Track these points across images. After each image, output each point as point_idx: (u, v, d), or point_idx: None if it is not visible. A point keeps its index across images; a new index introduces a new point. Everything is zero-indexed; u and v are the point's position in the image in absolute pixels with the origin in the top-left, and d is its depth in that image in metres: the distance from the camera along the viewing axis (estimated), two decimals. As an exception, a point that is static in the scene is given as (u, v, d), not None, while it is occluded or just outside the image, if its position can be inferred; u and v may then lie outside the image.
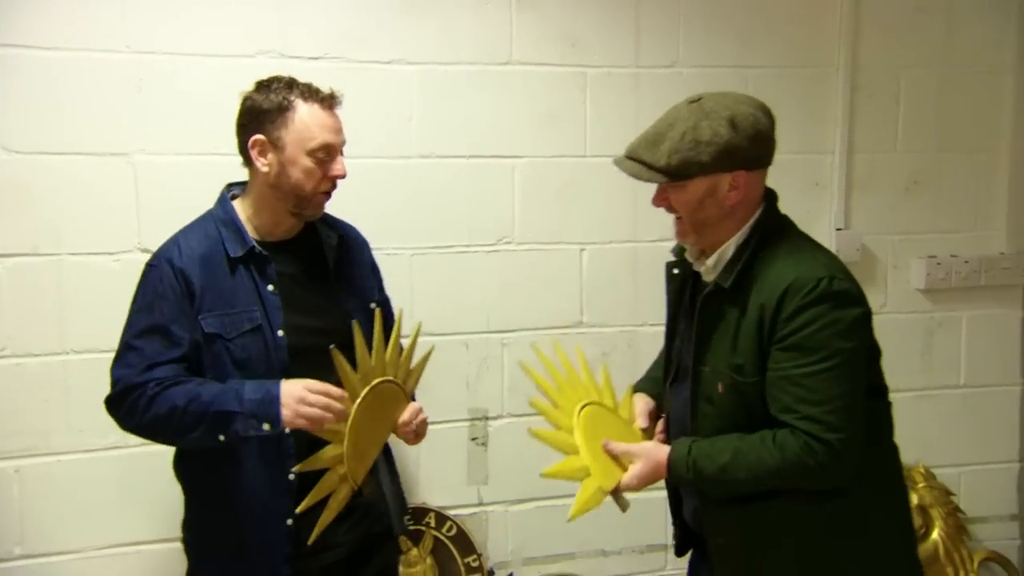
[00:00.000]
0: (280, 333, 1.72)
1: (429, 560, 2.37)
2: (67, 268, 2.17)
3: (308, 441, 1.65)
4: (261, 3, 2.23)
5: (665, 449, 1.56)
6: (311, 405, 1.60)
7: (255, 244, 1.73)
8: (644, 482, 1.56)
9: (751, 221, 1.55)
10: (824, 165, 2.62)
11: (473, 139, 2.38)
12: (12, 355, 2.16)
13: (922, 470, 2.72)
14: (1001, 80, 2.69)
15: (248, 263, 1.73)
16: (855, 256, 2.62)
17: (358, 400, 1.64)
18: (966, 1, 2.65)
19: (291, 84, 1.71)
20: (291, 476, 1.69)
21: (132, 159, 2.18)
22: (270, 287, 1.74)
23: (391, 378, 1.73)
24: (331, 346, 1.58)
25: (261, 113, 1.68)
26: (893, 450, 1.64)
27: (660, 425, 1.74)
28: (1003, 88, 2.70)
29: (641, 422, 1.73)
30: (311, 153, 1.67)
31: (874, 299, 2.60)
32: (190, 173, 2.18)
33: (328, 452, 1.62)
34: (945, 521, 2.68)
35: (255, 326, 1.72)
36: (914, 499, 2.67)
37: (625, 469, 1.58)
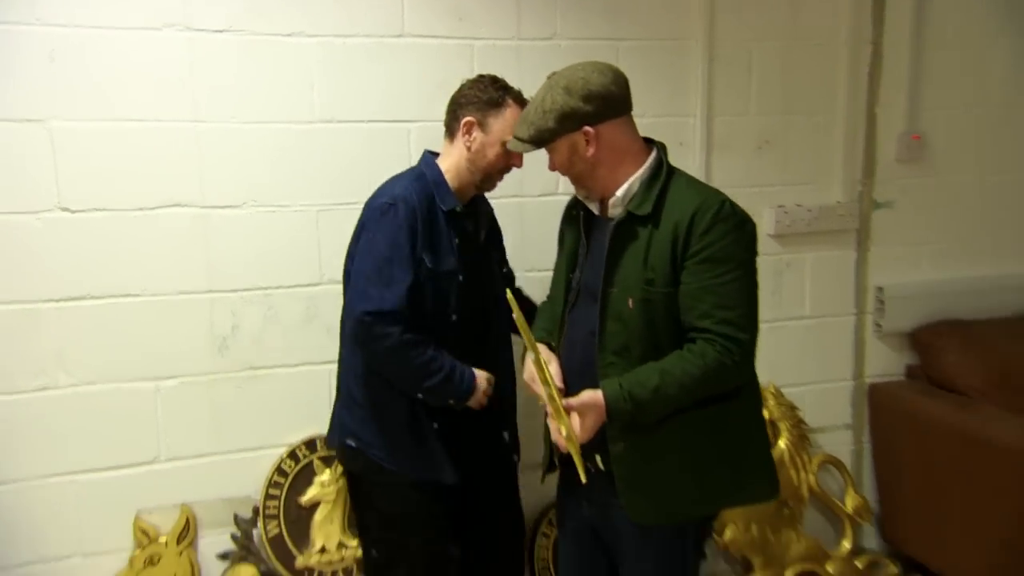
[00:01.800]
0: (461, 278, 1.91)
1: (341, 480, 2.40)
2: (-9, 225, 2.10)
3: None
4: (166, -22, 2.17)
5: (598, 393, 1.56)
6: (484, 395, 1.89)
7: (456, 204, 1.92)
8: (595, 430, 1.58)
9: (649, 161, 1.64)
10: (687, 127, 2.65)
11: (370, 106, 2.34)
12: None
13: (772, 389, 2.80)
14: (836, 52, 2.74)
15: (449, 218, 1.91)
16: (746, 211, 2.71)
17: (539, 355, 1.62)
18: None
19: (507, 87, 1.94)
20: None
21: (48, 124, 2.10)
22: (457, 240, 1.92)
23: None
24: (508, 292, 1.65)
25: (479, 100, 1.89)
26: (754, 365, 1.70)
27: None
28: (838, 59, 2.74)
29: (556, 379, 1.70)
30: (505, 143, 1.82)
31: (731, 244, 2.72)
32: (103, 137, 2.15)
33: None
34: (790, 432, 2.78)
35: (450, 269, 1.89)
36: (766, 414, 2.78)
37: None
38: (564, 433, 1.57)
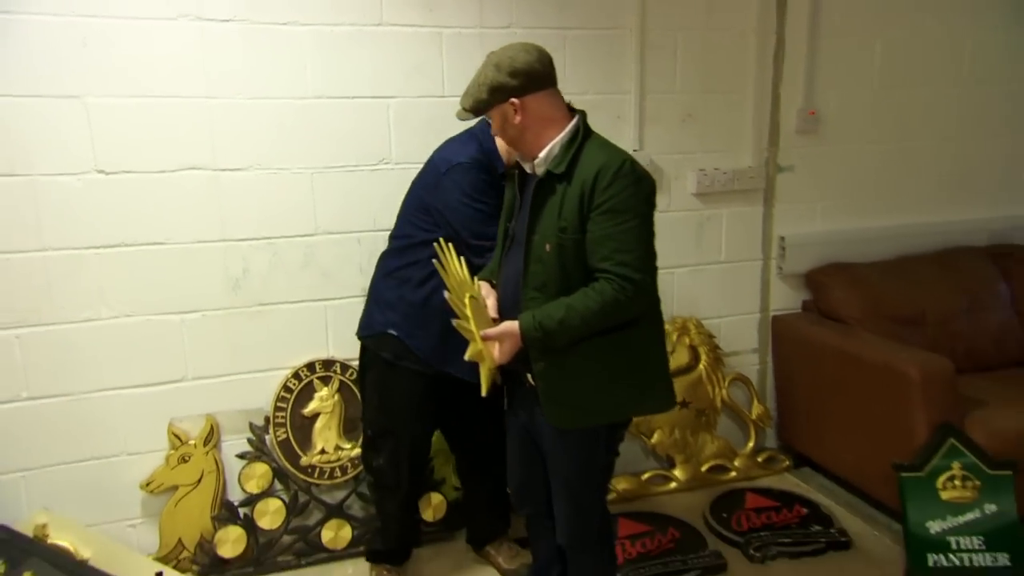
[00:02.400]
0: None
1: (337, 396, 2.52)
2: (40, 185, 2.16)
3: None
4: (180, -26, 2.18)
5: (515, 323, 1.61)
6: None
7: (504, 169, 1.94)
8: (511, 354, 1.63)
9: (569, 127, 1.64)
10: (624, 103, 2.69)
11: (356, 84, 2.37)
12: (2, 252, 2.17)
13: (694, 321, 2.93)
14: (746, 40, 2.79)
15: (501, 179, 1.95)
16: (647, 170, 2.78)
17: (467, 299, 1.66)
18: None
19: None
20: None
21: (84, 100, 2.15)
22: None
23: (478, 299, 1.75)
24: (438, 241, 1.76)
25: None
26: (658, 299, 1.74)
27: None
28: (748, 46, 2.79)
29: (492, 311, 1.75)
30: None
31: (661, 201, 2.79)
32: (131, 111, 2.20)
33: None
34: (708, 355, 2.93)
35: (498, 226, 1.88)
36: (687, 341, 2.93)
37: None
38: (471, 353, 1.64)
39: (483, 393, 1.64)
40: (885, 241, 3.09)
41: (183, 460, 2.39)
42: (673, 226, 2.87)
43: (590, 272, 1.59)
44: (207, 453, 2.41)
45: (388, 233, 2.35)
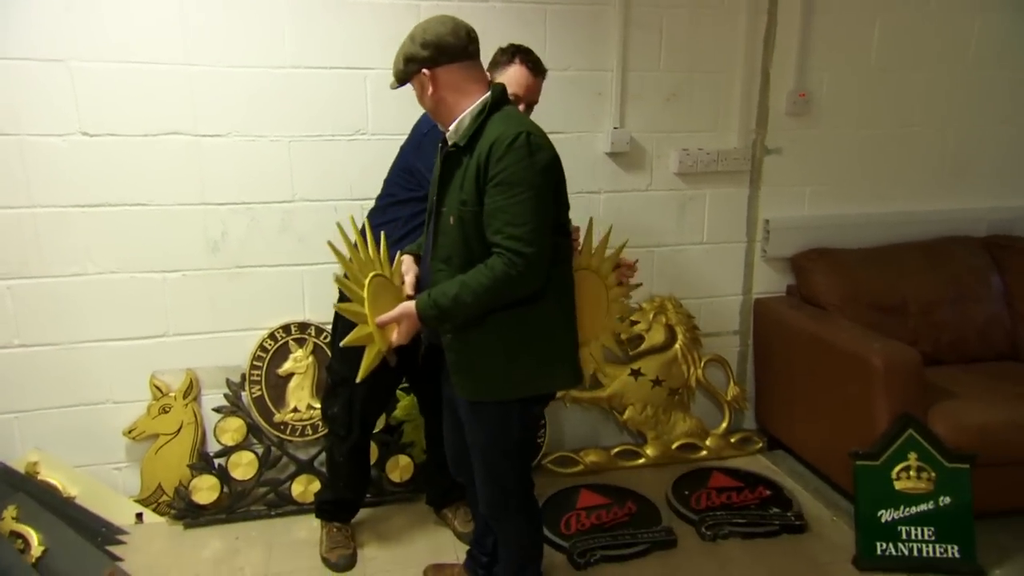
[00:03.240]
0: None
1: (311, 358, 2.59)
2: (27, 145, 2.24)
3: None
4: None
5: (412, 304, 1.61)
6: None
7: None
8: (409, 335, 1.64)
9: (480, 99, 1.60)
10: (605, 80, 2.65)
11: (333, 54, 2.38)
12: None
13: (672, 300, 2.91)
14: (735, 19, 2.72)
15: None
16: (626, 148, 2.71)
17: (368, 280, 1.66)
18: None
19: (521, 50, 2.02)
20: None
21: (68, 64, 2.22)
22: None
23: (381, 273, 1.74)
24: (338, 223, 1.84)
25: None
26: (569, 276, 1.72)
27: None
28: (737, 25, 2.72)
29: (408, 287, 1.75)
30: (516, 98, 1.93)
31: (642, 180, 2.80)
32: (114, 76, 2.26)
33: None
34: (685, 335, 2.91)
35: None
36: (663, 320, 2.91)
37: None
38: (354, 337, 1.64)
39: (358, 379, 1.62)
40: (878, 228, 3.01)
41: (164, 411, 2.50)
42: (654, 205, 2.86)
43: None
44: (186, 405, 2.52)
45: (360, 202, 2.39)
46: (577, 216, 2.67)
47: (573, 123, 2.69)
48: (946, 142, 3.05)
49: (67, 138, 2.27)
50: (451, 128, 1.63)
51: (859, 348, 2.43)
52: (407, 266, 1.80)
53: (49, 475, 2.42)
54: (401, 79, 1.65)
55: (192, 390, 2.53)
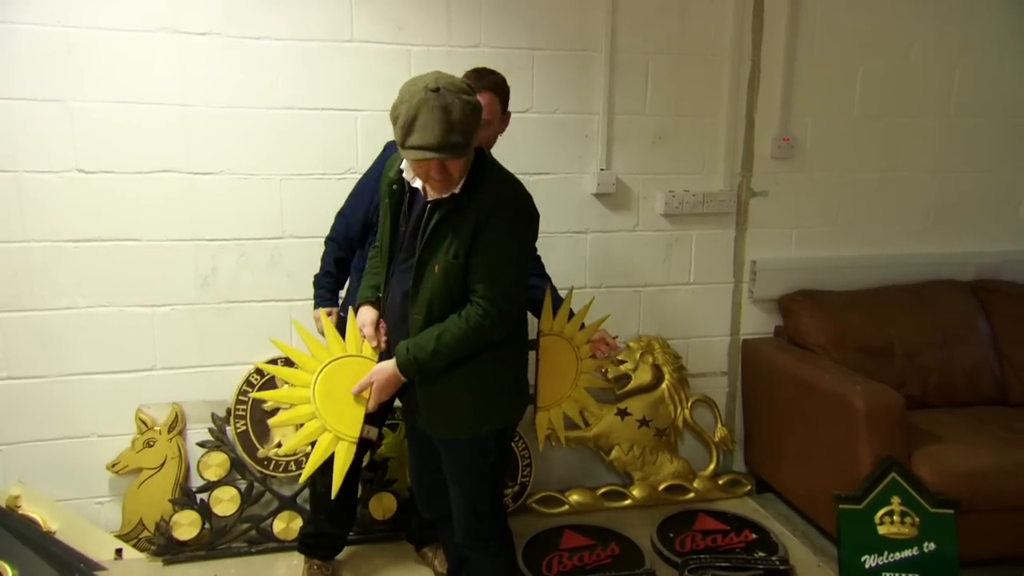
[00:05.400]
0: None
1: (297, 392, 2.60)
2: (24, 181, 2.30)
3: None
4: (157, -12, 2.29)
5: (391, 362, 1.66)
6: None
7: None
8: (388, 393, 1.69)
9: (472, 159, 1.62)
10: (592, 123, 2.70)
11: (325, 97, 2.44)
12: None
13: (660, 340, 2.93)
14: (720, 65, 2.78)
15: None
16: (612, 189, 2.76)
17: (316, 378, 1.70)
18: (695, 6, 2.72)
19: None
20: None
21: (67, 104, 2.29)
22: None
23: (347, 355, 1.75)
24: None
25: None
26: (526, 315, 1.84)
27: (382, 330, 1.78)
28: (722, 71, 2.78)
29: (369, 338, 1.75)
30: None
31: (629, 221, 2.85)
32: (111, 115, 2.32)
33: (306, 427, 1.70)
34: (672, 375, 2.91)
35: None
36: (650, 359, 2.92)
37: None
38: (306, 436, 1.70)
39: (332, 495, 1.68)
40: (864, 271, 3.04)
41: (148, 444, 2.51)
42: (641, 245, 2.89)
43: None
44: (171, 440, 2.53)
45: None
46: (564, 258, 2.77)
47: (560, 164, 2.74)
48: (931, 187, 3.10)
49: (63, 175, 2.34)
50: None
51: (842, 389, 2.44)
52: (365, 318, 1.78)
53: (30, 509, 2.42)
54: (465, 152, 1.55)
55: (177, 424, 2.54)
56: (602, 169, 2.75)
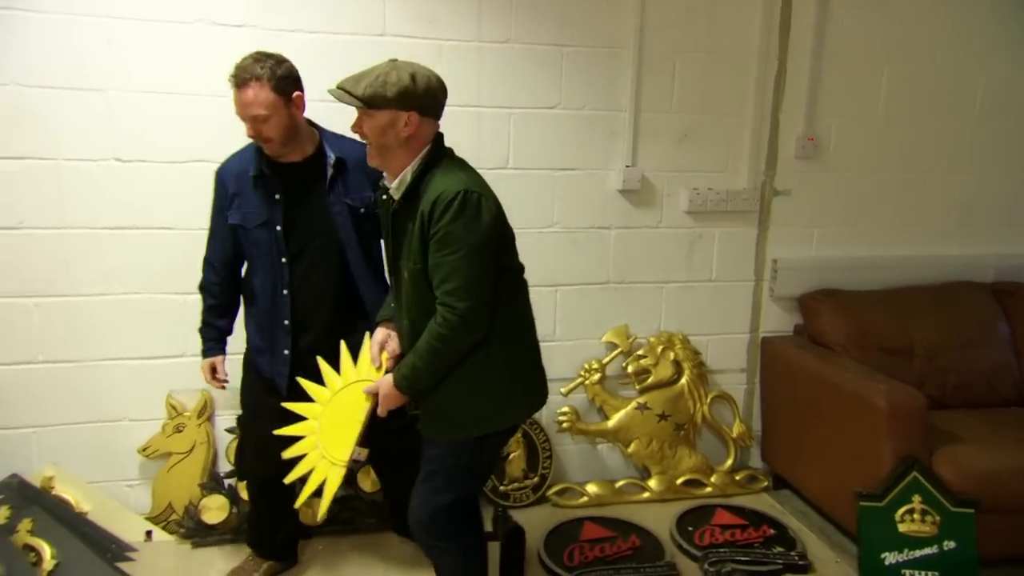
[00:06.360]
0: (278, 227, 1.95)
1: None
2: (63, 169, 2.34)
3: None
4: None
5: (389, 378, 1.69)
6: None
7: (263, 167, 1.93)
8: (391, 405, 1.71)
9: (422, 154, 1.62)
10: (619, 120, 2.72)
11: None
12: (27, 228, 2.37)
13: (680, 336, 2.95)
14: (747, 65, 2.79)
15: (260, 179, 1.95)
16: (638, 185, 2.78)
17: (321, 416, 1.74)
18: (724, 6, 2.73)
19: (233, 66, 1.85)
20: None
21: (107, 94, 2.32)
22: (277, 196, 1.93)
23: (352, 382, 1.79)
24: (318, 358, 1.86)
25: None
26: (521, 314, 1.74)
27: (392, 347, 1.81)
28: (748, 70, 2.79)
29: (373, 358, 1.80)
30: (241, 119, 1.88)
31: (652, 217, 2.87)
32: (148, 105, 2.36)
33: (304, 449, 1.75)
34: (691, 371, 2.94)
35: (262, 221, 1.94)
36: (671, 355, 2.95)
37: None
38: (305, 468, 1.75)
39: (319, 518, 1.77)
40: (885, 271, 3.05)
41: (178, 430, 2.55)
42: (663, 242, 2.91)
43: None
44: (200, 425, 2.57)
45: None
46: (588, 254, 2.79)
47: (587, 160, 2.76)
48: (953, 189, 3.11)
49: (101, 163, 2.37)
50: (395, 182, 1.65)
51: (864, 389, 2.45)
52: (375, 339, 1.83)
53: (63, 490, 2.47)
54: (374, 104, 1.57)
55: (206, 410, 2.58)
56: (628, 166, 2.77)
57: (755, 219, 2.96)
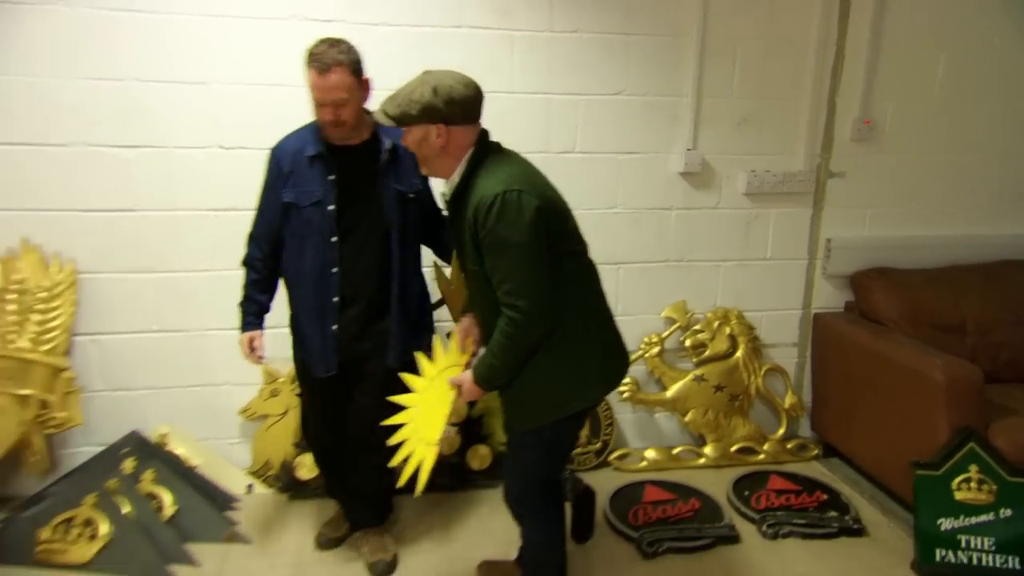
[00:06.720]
0: (331, 207, 1.88)
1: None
2: (173, 156, 2.38)
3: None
4: (291, -19, 2.32)
5: (470, 374, 1.64)
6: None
7: (322, 148, 1.87)
8: (472, 398, 1.69)
9: (466, 157, 1.56)
10: (681, 105, 2.65)
11: None
12: (142, 210, 2.41)
13: (736, 312, 2.88)
14: (805, 51, 2.68)
15: (317, 159, 1.88)
16: (698, 168, 2.70)
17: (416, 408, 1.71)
18: None
19: (312, 48, 1.76)
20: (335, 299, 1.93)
21: (210, 87, 2.34)
22: (331, 177, 1.87)
23: (445, 368, 1.76)
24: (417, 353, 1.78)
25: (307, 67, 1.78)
26: (588, 296, 1.64)
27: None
28: (807, 57, 2.69)
29: (461, 346, 1.78)
30: (313, 102, 1.81)
31: (711, 199, 2.79)
32: (247, 96, 2.37)
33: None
34: (746, 345, 2.87)
35: (315, 200, 1.87)
36: (727, 330, 2.88)
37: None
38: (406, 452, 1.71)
39: (417, 493, 1.66)
40: (935, 250, 2.92)
41: (273, 394, 2.59)
42: (721, 222, 2.83)
43: None
44: (293, 390, 2.59)
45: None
46: (649, 233, 2.73)
47: (650, 144, 2.69)
48: (1006, 170, 2.94)
49: (206, 150, 2.40)
50: (446, 187, 1.62)
51: (921, 363, 2.35)
52: (466, 326, 1.81)
53: (176, 446, 2.54)
54: (404, 122, 1.54)
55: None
56: (689, 149, 2.69)
57: (810, 200, 2.86)
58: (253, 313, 2.07)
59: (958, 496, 2.20)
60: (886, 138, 2.83)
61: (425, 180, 2.02)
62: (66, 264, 2.38)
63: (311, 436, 2.20)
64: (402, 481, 1.70)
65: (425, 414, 1.71)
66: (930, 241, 2.92)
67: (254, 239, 2.02)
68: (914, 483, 2.23)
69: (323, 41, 1.79)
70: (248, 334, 2.05)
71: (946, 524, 2.19)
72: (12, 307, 2.31)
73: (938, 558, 2.17)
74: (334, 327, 1.93)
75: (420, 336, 2.04)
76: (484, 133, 1.61)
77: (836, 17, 2.67)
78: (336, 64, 1.76)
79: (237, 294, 2.44)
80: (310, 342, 1.99)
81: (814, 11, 2.65)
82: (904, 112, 2.81)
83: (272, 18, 2.33)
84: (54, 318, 2.33)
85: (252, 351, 2.06)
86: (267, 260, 2.01)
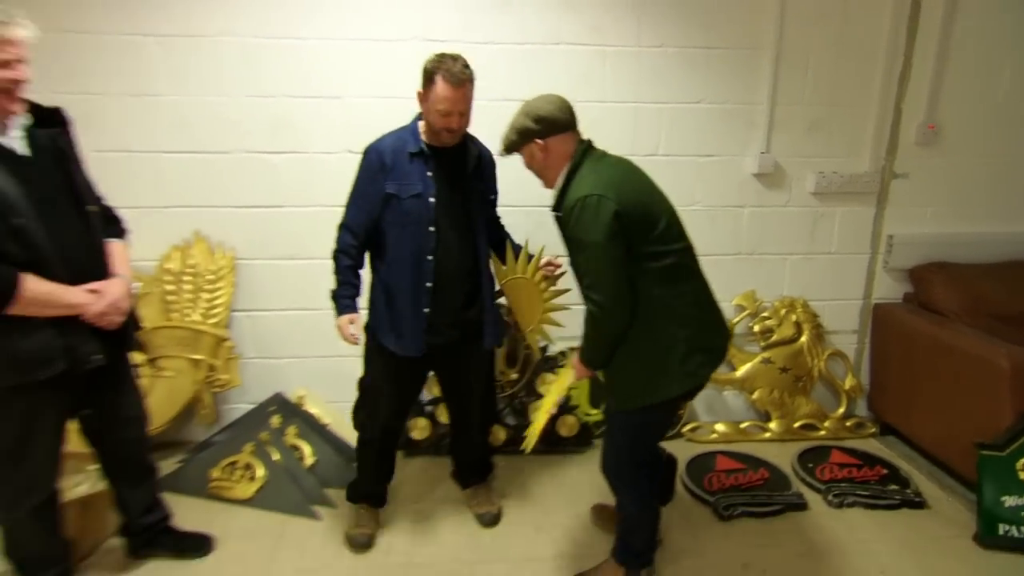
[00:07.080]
0: (431, 199, 1.90)
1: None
2: (312, 160, 2.53)
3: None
4: (410, 5, 2.42)
5: (574, 356, 1.73)
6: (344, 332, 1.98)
7: (424, 146, 1.89)
8: (582, 376, 1.75)
9: (567, 166, 1.64)
10: (756, 112, 2.66)
11: (538, 88, 2.39)
12: (288, 206, 2.57)
13: (801, 301, 2.89)
14: (874, 59, 2.65)
15: (418, 156, 1.90)
16: (771, 169, 2.71)
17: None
18: (854, 7, 2.60)
19: (440, 62, 1.77)
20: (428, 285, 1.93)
21: (343, 100, 2.49)
22: (429, 173, 1.91)
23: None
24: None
25: (424, 75, 1.83)
26: (674, 293, 1.61)
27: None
28: (875, 67, 2.66)
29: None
30: (436, 110, 1.82)
31: (781, 198, 2.81)
32: (374, 107, 2.50)
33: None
34: (810, 332, 2.88)
35: (416, 193, 1.89)
36: (793, 317, 2.89)
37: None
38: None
39: (527, 448, 1.80)
40: (995, 246, 2.86)
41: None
42: (790, 219, 2.84)
43: None
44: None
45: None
46: (723, 229, 2.77)
47: (727, 148, 2.72)
48: (1067, 170, 2.85)
49: (337, 155, 2.55)
50: (554, 192, 1.69)
51: (986, 351, 2.33)
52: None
53: (311, 406, 2.73)
54: (512, 148, 1.67)
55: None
56: (763, 152, 2.70)
57: (874, 199, 2.83)
58: (349, 296, 2.00)
59: (1022, 476, 2.18)
60: (949, 142, 2.77)
61: (495, 190, 2.09)
62: (228, 252, 2.59)
63: (381, 416, 2.11)
64: (530, 445, 1.80)
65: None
66: (987, 238, 2.87)
67: (347, 228, 1.98)
68: (978, 463, 2.22)
69: (447, 56, 1.80)
70: (347, 316, 1.98)
71: (1010, 501, 2.17)
72: (188, 287, 2.54)
73: (1001, 532, 2.16)
74: (426, 310, 1.94)
75: (500, 320, 2.12)
76: (584, 142, 1.66)
77: (905, 26, 2.63)
78: (468, 80, 1.83)
79: (319, 279, 2.52)
80: (402, 323, 1.95)
81: (884, 21, 2.62)
82: (967, 117, 2.75)
83: (397, 40, 2.45)
84: (218, 297, 2.54)
85: (349, 333, 2.00)
86: (360, 248, 1.98)
